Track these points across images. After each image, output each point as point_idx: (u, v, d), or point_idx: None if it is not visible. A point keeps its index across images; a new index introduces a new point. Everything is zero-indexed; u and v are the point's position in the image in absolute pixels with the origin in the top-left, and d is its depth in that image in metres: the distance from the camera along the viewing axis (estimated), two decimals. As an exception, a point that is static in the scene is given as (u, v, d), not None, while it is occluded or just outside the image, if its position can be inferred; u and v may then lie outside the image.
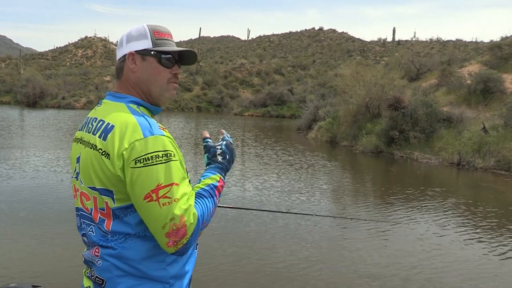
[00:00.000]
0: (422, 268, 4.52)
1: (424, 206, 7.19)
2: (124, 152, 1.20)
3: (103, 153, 1.23)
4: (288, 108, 33.07)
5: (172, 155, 1.22)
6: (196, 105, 36.29)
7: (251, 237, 5.34)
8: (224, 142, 1.49)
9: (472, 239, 5.61)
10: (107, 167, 1.22)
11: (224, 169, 1.42)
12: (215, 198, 1.32)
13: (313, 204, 7.12)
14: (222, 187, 1.37)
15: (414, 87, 17.74)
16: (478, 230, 5.96)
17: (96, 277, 1.30)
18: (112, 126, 1.25)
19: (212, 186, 1.33)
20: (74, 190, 1.37)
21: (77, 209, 1.36)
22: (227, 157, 1.45)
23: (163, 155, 1.20)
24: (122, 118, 1.26)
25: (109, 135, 1.24)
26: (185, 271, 1.34)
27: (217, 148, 1.46)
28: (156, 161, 1.19)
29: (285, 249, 4.96)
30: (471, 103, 14.62)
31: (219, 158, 1.43)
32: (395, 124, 12.93)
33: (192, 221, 1.20)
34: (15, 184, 7.79)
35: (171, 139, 1.27)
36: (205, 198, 1.29)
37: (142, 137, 1.21)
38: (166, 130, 1.29)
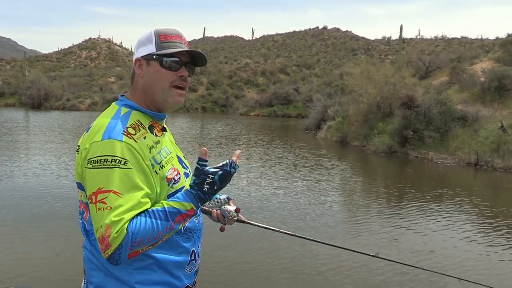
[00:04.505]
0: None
1: (449, 209, 6.87)
2: (83, 151, 1.25)
3: (78, 149, 1.30)
4: (294, 107, 32.75)
5: (122, 163, 1.20)
6: (201, 105, 36.01)
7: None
8: (221, 172, 1.29)
9: (494, 243, 5.28)
10: (77, 162, 1.29)
11: (204, 199, 1.28)
12: (170, 223, 1.22)
13: (332, 211, 6.82)
14: (188, 216, 1.26)
15: (425, 85, 17.38)
16: (500, 235, 5.63)
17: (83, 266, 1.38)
18: (90, 126, 1.30)
19: (173, 211, 1.23)
20: None
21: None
22: (215, 188, 1.28)
23: (112, 160, 1.19)
24: (100, 120, 1.30)
25: (85, 134, 1.30)
26: (161, 282, 1.30)
27: (208, 177, 1.27)
28: (102, 165, 1.19)
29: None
30: (485, 101, 14.24)
31: (206, 187, 1.27)
32: (408, 124, 12.59)
33: (115, 236, 1.16)
34: (17, 184, 7.59)
35: (133, 146, 1.23)
36: (152, 219, 1.20)
37: (100, 139, 1.23)
38: (133, 137, 1.25)
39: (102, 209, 1.17)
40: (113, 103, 1.40)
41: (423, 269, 2.49)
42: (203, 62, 1.42)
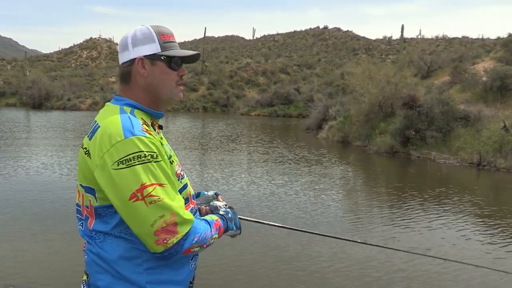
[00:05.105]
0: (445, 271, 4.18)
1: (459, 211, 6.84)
2: (106, 154, 1.21)
3: (86, 152, 1.27)
4: (295, 107, 32.69)
5: (154, 156, 1.22)
6: (202, 105, 35.95)
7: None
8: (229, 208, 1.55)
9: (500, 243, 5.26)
10: (88, 165, 1.25)
11: (223, 219, 1.45)
12: (210, 226, 1.35)
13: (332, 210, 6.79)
14: (219, 226, 1.40)
15: (427, 85, 17.36)
16: (500, 234, 5.60)
17: (85, 270, 1.35)
18: (98, 126, 1.28)
19: (209, 220, 1.38)
20: (76, 186, 1.42)
21: (76, 205, 1.38)
22: (230, 215, 1.49)
23: (144, 156, 1.20)
24: (109, 119, 1.28)
25: (94, 135, 1.27)
26: (171, 280, 1.31)
27: (221, 207, 1.52)
28: (138, 161, 1.19)
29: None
30: (488, 101, 14.19)
31: (221, 210, 1.50)
32: (410, 123, 12.55)
33: (187, 218, 1.21)
34: (19, 182, 7.58)
35: (154, 141, 1.26)
36: (201, 221, 1.33)
37: (123, 138, 1.21)
38: (150, 132, 1.27)
39: (154, 202, 1.18)
40: (109, 103, 1.39)
41: (417, 253, 2.48)
42: (192, 61, 1.46)
